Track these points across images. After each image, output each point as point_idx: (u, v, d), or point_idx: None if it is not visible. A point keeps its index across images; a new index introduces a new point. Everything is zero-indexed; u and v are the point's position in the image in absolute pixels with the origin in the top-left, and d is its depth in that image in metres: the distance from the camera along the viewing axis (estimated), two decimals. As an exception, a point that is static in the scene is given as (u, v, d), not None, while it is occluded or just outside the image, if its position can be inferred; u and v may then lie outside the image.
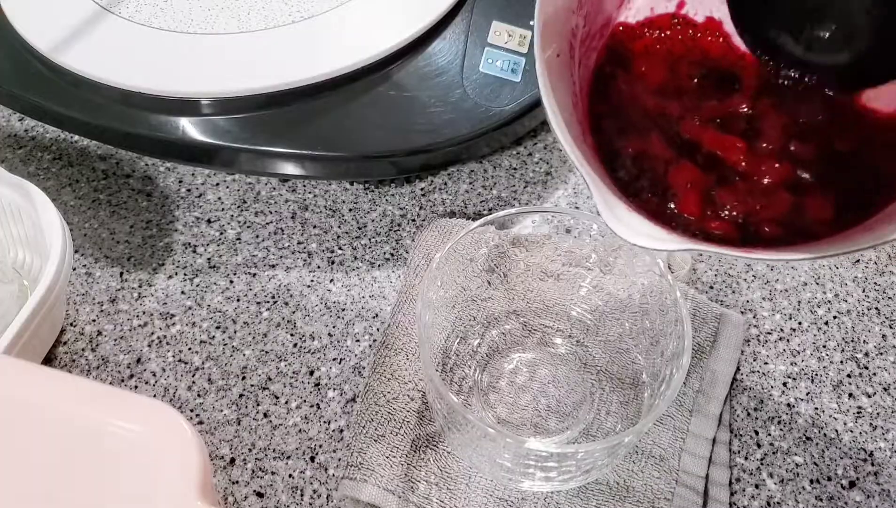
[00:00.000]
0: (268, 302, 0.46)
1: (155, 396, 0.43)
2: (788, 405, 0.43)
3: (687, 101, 0.35)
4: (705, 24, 0.36)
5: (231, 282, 0.47)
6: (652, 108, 0.34)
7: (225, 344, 0.45)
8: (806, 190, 0.32)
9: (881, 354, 0.44)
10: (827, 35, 0.33)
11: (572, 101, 0.33)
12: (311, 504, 0.40)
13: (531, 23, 0.35)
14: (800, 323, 0.46)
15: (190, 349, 0.44)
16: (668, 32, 0.36)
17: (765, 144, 0.33)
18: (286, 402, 0.43)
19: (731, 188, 0.32)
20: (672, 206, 0.32)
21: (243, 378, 0.43)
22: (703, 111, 0.34)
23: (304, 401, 0.43)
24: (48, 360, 0.44)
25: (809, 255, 0.28)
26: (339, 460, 0.41)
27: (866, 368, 0.44)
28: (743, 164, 0.33)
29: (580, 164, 0.29)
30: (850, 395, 0.43)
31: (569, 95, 0.33)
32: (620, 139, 0.34)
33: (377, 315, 0.46)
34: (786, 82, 0.35)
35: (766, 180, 0.32)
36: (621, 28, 0.36)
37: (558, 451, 0.35)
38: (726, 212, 0.32)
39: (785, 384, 0.43)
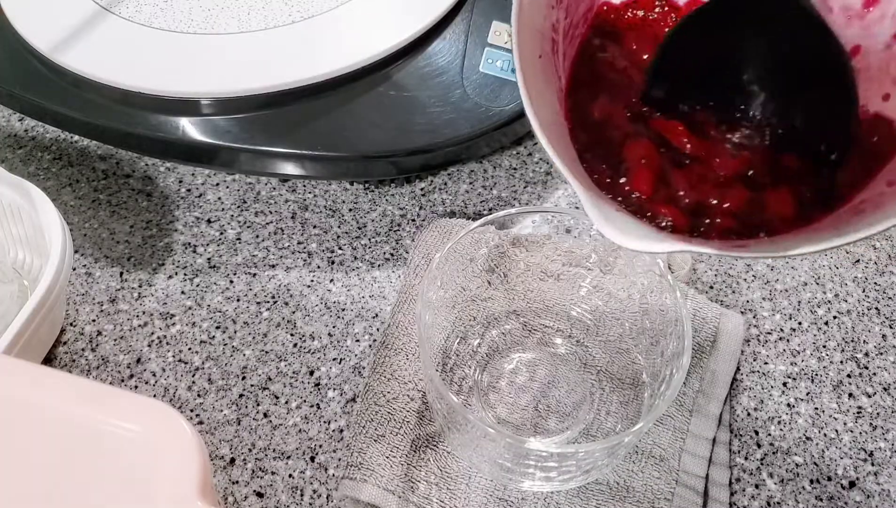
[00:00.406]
0: (268, 302, 0.46)
1: (155, 396, 0.43)
2: (788, 405, 0.43)
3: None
4: (688, 5, 0.35)
5: (231, 282, 0.47)
6: (629, 83, 0.34)
7: (225, 344, 0.45)
8: (765, 184, 0.31)
9: (881, 354, 0.44)
10: (760, 104, 0.33)
11: (558, 97, 0.33)
12: (311, 504, 0.40)
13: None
14: (800, 323, 0.45)
15: (190, 349, 0.44)
16: (654, 15, 0.36)
17: (716, 135, 0.32)
18: (286, 402, 0.43)
19: (685, 172, 0.32)
20: (623, 181, 0.31)
21: (243, 378, 0.43)
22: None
23: (304, 401, 0.43)
24: (48, 360, 0.44)
25: (812, 247, 0.27)
26: (339, 460, 0.41)
27: (866, 368, 0.44)
28: (688, 146, 0.32)
29: (566, 172, 0.28)
30: (850, 395, 0.43)
31: (554, 93, 0.32)
32: (590, 103, 0.33)
33: (377, 315, 0.46)
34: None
35: (721, 172, 0.32)
36: (605, 8, 0.36)
37: (558, 451, 0.35)
38: (679, 197, 0.31)
39: (785, 384, 0.43)
